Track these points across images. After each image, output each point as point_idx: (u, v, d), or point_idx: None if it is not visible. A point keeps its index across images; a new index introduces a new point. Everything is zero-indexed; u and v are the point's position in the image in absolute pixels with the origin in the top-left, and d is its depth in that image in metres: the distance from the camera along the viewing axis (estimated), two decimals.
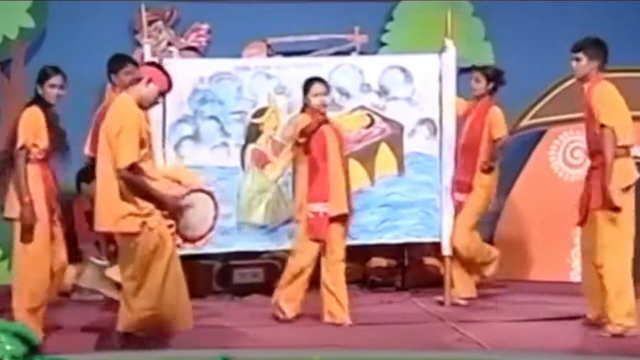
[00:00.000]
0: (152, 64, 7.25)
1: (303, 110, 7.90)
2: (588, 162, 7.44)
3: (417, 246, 9.12)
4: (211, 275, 8.98)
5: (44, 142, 7.13)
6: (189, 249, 7.29)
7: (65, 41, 9.62)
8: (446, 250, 8.41)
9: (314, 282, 9.13)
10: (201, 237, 6.91)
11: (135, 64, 8.30)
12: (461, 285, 8.50)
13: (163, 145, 8.29)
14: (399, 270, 9.40)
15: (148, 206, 6.54)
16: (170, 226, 6.64)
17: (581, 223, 7.41)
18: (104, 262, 8.87)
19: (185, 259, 8.36)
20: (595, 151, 7.24)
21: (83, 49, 9.20)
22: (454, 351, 7.05)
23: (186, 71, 8.49)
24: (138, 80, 6.75)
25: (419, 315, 8.10)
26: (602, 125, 7.09)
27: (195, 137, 8.40)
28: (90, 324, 7.74)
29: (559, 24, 9.90)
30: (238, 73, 8.44)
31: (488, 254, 8.57)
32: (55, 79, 7.24)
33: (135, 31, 9.62)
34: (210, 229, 6.91)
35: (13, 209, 7.13)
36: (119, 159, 6.48)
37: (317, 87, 7.78)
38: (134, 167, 6.49)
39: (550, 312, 7.98)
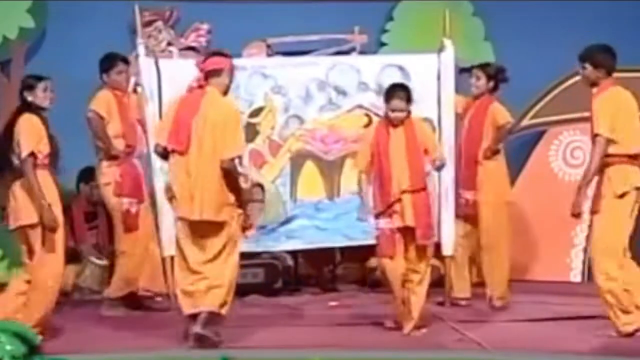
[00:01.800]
0: (215, 53, 7.23)
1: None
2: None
3: None
4: None
5: (46, 147, 7.12)
6: None
7: (65, 41, 9.64)
8: (446, 251, 8.40)
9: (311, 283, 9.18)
10: (252, 226, 7.25)
11: (127, 62, 8.31)
12: (459, 286, 8.49)
13: None
14: None
15: (233, 197, 6.84)
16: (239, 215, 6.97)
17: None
18: (104, 262, 8.89)
19: None
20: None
21: (83, 49, 9.20)
22: (454, 351, 7.05)
23: (182, 71, 8.47)
24: (219, 72, 6.94)
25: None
26: (595, 135, 7.09)
27: None
28: (90, 324, 7.75)
29: (559, 24, 9.92)
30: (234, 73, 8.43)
31: (503, 281, 8.43)
32: (45, 83, 7.22)
33: (134, 31, 9.62)
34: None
35: (30, 215, 7.06)
36: (226, 150, 6.77)
37: (394, 103, 7.30)
38: (234, 159, 6.83)
39: (550, 312, 7.98)
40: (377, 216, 7.31)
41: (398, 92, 7.38)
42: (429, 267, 7.44)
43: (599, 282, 7.10)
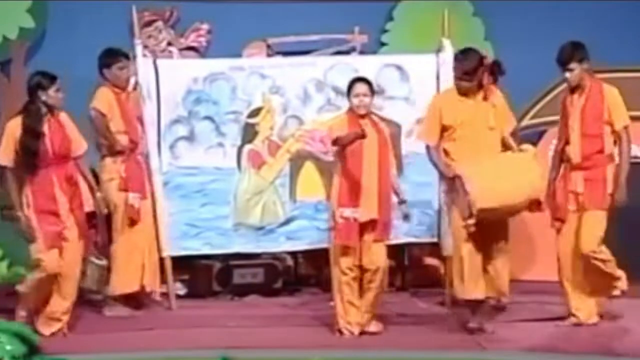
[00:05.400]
0: None
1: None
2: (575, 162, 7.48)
3: (417, 246, 9.11)
4: (211, 276, 8.97)
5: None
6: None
7: (65, 41, 9.64)
8: (446, 251, 8.40)
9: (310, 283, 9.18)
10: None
11: (128, 57, 8.31)
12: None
13: (158, 146, 8.30)
14: (399, 270, 9.39)
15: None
16: None
17: (560, 226, 7.57)
18: (104, 262, 8.88)
19: (185, 259, 8.43)
20: (595, 152, 7.25)
21: (83, 49, 9.20)
22: (454, 351, 7.06)
23: (180, 72, 8.51)
24: None
25: (419, 316, 8.09)
26: (625, 127, 7.18)
27: (190, 137, 8.42)
28: (90, 324, 7.75)
29: (558, 25, 9.89)
30: (232, 73, 8.46)
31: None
32: (59, 83, 7.29)
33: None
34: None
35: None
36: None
37: (357, 87, 7.41)
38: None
39: (550, 312, 7.98)
40: (341, 204, 7.29)
41: (358, 81, 7.44)
42: (385, 269, 7.42)
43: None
